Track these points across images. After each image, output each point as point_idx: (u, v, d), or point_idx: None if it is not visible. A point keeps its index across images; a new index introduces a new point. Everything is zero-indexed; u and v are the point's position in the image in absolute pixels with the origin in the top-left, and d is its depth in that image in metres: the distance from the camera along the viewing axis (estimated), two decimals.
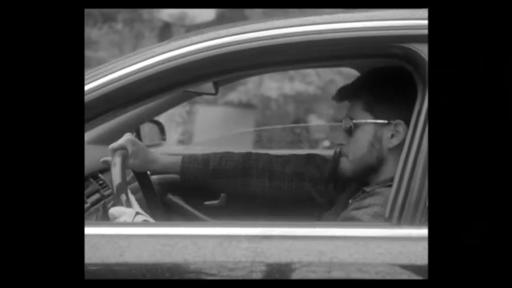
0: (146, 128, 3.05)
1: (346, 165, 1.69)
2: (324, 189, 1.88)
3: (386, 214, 1.38)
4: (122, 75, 1.44)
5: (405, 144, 1.41)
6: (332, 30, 1.45)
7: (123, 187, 1.61)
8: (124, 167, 1.65)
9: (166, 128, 3.37)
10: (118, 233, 1.36)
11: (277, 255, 1.32)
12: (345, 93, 1.71)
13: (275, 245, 1.33)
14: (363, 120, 1.63)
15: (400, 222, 1.35)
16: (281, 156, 1.94)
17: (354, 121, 1.64)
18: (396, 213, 1.36)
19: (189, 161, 1.89)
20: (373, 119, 1.63)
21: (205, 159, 1.89)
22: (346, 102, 1.74)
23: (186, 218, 2.52)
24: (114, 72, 1.45)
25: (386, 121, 1.62)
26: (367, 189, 1.65)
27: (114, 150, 1.75)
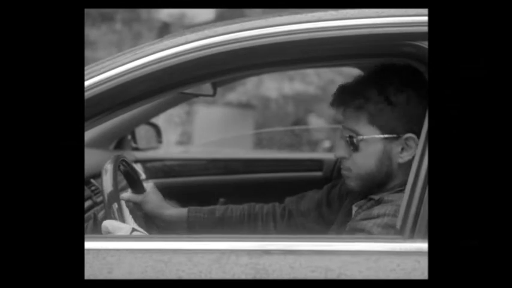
0: (142, 131, 2.97)
1: (352, 180, 1.54)
2: (326, 210, 1.81)
3: (398, 225, 1.27)
4: (111, 77, 1.34)
5: (417, 151, 1.31)
6: (338, 27, 1.35)
7: (114, 195, 1.52)
8: (116, 174, 1.56)
9: (165, 129, 3.30)
10: (106, 248, 1.25)
11: (280, 271, 1.21)
12: (344, 99, 1.52)
13: (277, 261, 1.22)
14: (370, 136, 1.47)
15: (413, 235, 1.24)
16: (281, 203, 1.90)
17: (360, 137, 1.48)
18: (409, 226, 1.25)
19: (195, 211, 1.87)
20: (380, 133, 1.47)
21: (211, 209, 1.89)
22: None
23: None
24: (103, 73, 1.35)
25: (395, 135, 1.47)
26: (375, 197, 1.51)
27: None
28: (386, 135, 1.47)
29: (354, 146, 1.49)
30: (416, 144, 1.41)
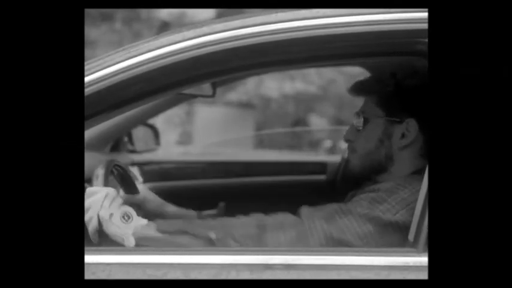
0: (140, 132, 2.90)
1: (354, 160, 1.58)
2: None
3: (411, 238, 1.19)
4: (103, 76, 1.27)
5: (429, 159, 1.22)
6: (345, 23, 1.27)
7: None
8: (107, 180, 1.49)
9: (164, 130, 3.22)
10: (96, 262, 1.18)
11: None
12: (360, 88, 1.60)
13: (280, 276, 1.14)
14: (374, 116, 1.53)
15: (427, 248, 1.15)
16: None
17: (364, 115, 1.54)
18: (423, 239, 1.16)
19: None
20: (385, 115, 1.52)
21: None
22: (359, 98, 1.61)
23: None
24: (95, 72, 1.28)
25: (398, 119, 1.50)
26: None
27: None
28: (389, 118, 1.51)
29: (360, 125, 1.55)
30: (416, 130, 1.48)
